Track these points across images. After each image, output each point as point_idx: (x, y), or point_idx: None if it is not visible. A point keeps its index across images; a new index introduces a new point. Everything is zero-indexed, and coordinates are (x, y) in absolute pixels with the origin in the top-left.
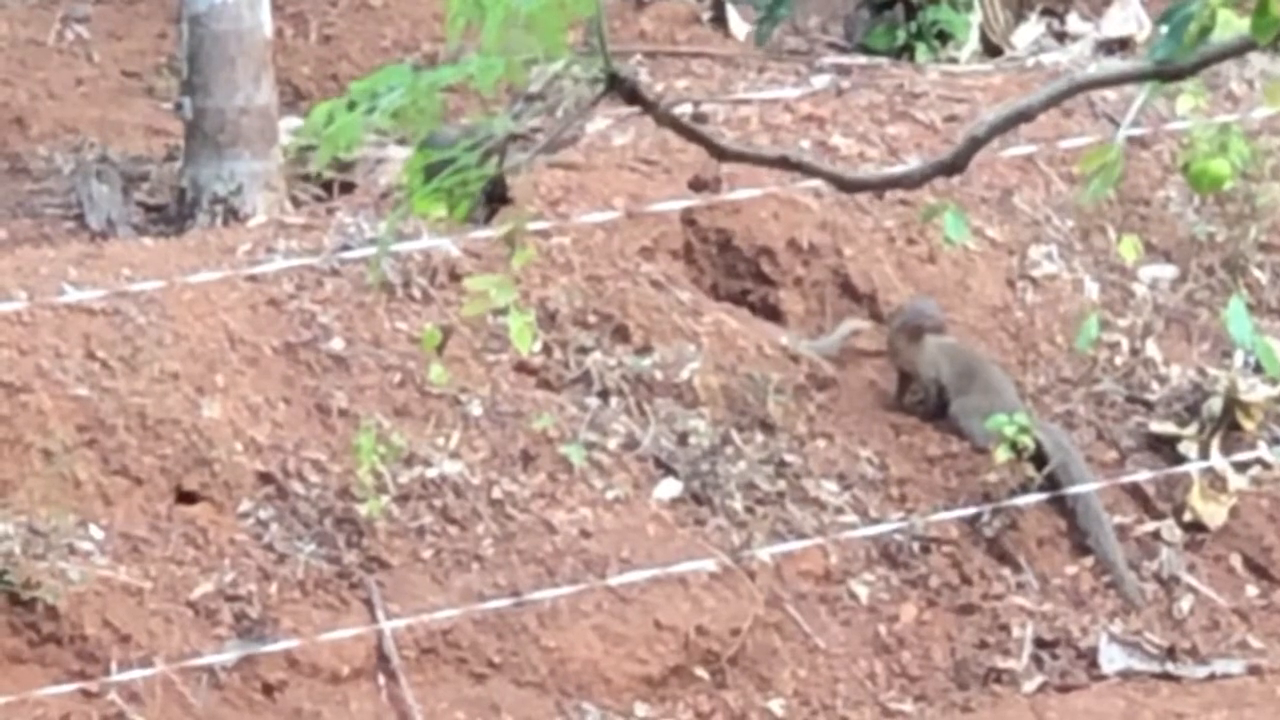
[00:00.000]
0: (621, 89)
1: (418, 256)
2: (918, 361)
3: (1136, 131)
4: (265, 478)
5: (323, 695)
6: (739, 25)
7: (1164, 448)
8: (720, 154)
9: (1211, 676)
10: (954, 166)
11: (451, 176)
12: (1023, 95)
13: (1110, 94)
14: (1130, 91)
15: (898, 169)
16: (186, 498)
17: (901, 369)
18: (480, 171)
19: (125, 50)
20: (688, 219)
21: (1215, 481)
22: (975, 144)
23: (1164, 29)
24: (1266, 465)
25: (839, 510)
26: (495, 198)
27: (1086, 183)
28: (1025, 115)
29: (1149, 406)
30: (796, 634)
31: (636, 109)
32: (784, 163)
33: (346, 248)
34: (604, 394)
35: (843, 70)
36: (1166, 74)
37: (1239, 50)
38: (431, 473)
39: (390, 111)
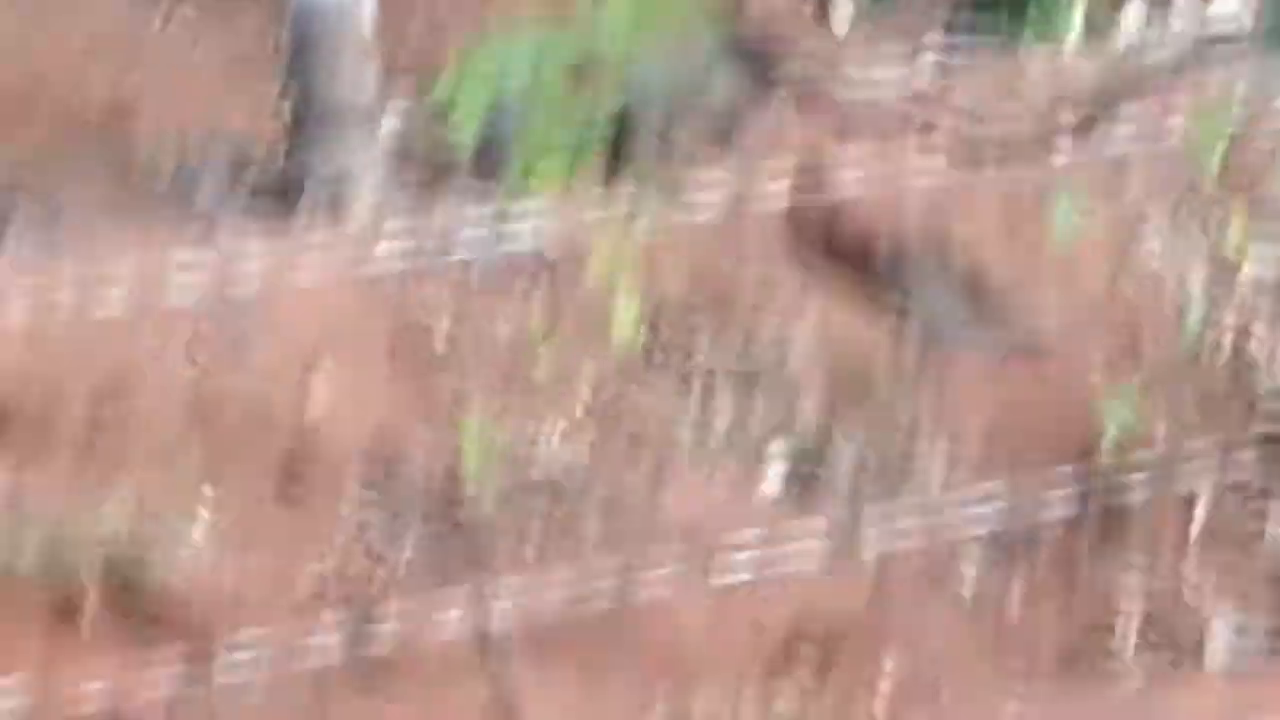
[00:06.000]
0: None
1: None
2: None
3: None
4: (371, 467)
5: (430, 680)
6: (841, 18)
7: (1273, 440)
8: None
9: None
10: None
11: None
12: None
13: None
14: None
15: None
16: (293, 484)
17: None
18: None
19: (230, 37)
20: (794, 203)
21: None
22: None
23: None
24: None
25: (948, 492)
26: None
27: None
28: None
29: (1257, 397)
30: (903, 619)
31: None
32: None
33: (452, 235)
34: (710, 379)
35: (948, 51)
36: None
37: None
38: (538, 461)
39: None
